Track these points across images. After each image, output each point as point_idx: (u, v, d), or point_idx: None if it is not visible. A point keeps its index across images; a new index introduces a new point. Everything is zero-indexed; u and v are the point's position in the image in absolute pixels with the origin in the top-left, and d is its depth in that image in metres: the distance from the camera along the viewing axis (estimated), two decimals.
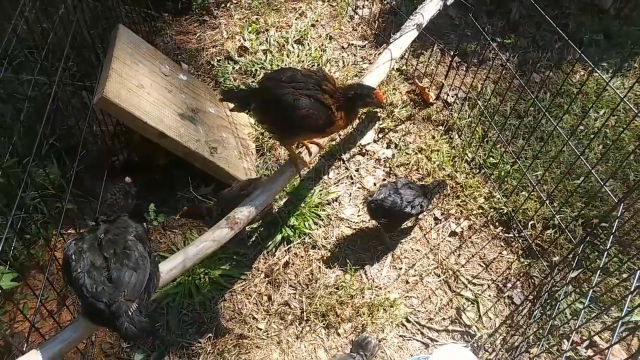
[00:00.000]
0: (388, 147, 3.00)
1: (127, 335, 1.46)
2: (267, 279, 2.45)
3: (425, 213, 2.70)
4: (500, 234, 2.72)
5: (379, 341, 2.32)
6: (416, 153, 2.96)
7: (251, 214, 2.01)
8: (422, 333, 2.38)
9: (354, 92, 2.06)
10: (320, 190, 2.77)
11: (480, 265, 2.62)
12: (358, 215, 2.73)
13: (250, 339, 2.27)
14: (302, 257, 2.54)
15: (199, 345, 2.22)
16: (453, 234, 2.71)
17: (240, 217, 1.97)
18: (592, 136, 2.99)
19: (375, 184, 2.85)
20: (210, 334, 2.26)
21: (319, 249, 2.58)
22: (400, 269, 2.57)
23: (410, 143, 3.01)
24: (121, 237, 1.63)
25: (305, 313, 2.35)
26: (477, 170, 2.92)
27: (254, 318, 2.34)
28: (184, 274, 1.96)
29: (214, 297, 2.35)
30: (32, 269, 2.29)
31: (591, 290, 1.96)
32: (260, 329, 2.31)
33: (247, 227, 2.55)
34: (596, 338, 2.40)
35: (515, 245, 2.68)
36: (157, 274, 1.67)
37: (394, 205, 2.41)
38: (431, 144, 2.99)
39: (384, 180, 2.87)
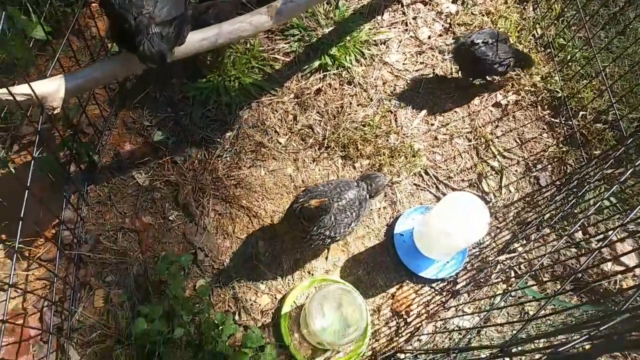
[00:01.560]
0: (454, 1, 2.77)
1: (143, 55, 1.43)
2: (296, 99, 2.40)
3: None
4: (547, 117, 2.57)
5: (392, 184, 2.31)
6: (482, 15, 2.73)
7: (295, 11, 1.90)
8: (437, 187, 2.35)
9: None
10: (369, 29, 2.61)
11: (516, 141, 2.51)
12: (403, 64, 2.60)
13: (269, 149, 2.27)
14: (335, 89, 2.47)
15: (219, 141, 2.24)
16: (497, 104, 2.57)
17: (282, 9, 1.86)
18: None
19: (429, 37, 2.67)
20: (230, 134, 2.27)
21: (354, 86, 2.49)
22: (433, 124, 2.48)
23: (479, 3, 2.77)
24: None
25: (326, 140, 2.33)
26: (542, 48, 2.70)
27: (276, 132, 2.32)
28: (212, 49, 1.90)
29: (241, 102, 2.33)
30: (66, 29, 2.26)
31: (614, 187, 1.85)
32: (280, 143, 2.31)
33: (285, 46, 2.46)
34: (613, 236, 2.33)
35: (558, 131, 2.54)
36: (189, 26, 1.63)
37: (485, 55, 2.27)
38: (501, 10, 2.74)
39: (440, 35, 2.68)
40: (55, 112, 1.50)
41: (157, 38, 1.43)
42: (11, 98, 1.41)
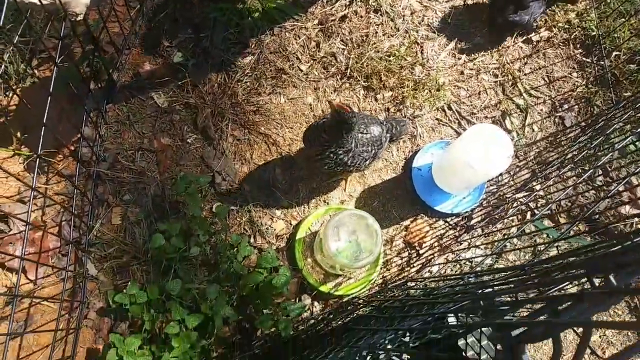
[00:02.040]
0: None
1: None
2: (320, 26, 2.33)
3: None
4: (578, 55, 2.47)
5: (414, 117, 2.26)
6: None
7: None
8: (459, 123, 2.30)
9: None
10: None
11: (544, 79, 2.43)
12: None
13: (290, 76, 2.23)
14: (361, 17, 2.38)
15: (239, 64, 2.19)
16: (528, 41, 2.47)
17: None
18: None
19: None
20: (251, 58, 2.22)
21: (381, 14, 2.39)
22: (460, 58, 2.40)
23: None
24: None
25: (349, 70, 2.27)
26: None
27: (297, 58, 2.27)
28: None
29: (263, 26, 2.26)
30: None
31: None
32: (302, 71, 2.25)
33: None
34: (634, 180, 2.29)
35: (589, 71, 2.45)
36: None
37: None
38: None
39: None
40: (79, 18, 1.46)
41: None
42: (36, 1, 1.37)
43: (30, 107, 1.24)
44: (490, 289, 0.98)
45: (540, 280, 0.80)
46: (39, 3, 1.41)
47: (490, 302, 0.92)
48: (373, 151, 1.89)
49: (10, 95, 1.93)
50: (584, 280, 0.67)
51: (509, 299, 1.06)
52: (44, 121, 1.31)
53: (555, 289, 0.96)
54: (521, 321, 0.63)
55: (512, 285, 0.91)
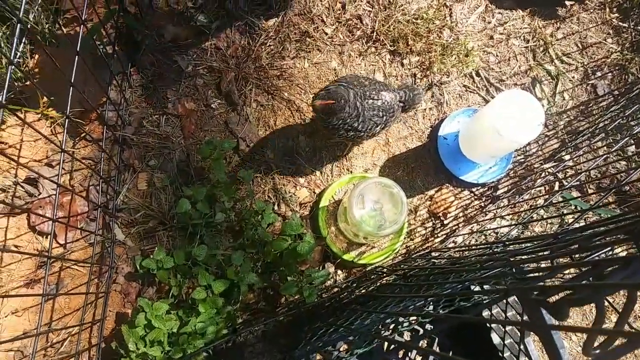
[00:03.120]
0: None
1: None
2: None
3: None
4: (614, 20, 2.37)
5: (440, 84, 2.21)
6: None
7: None
8: (487, 90, 2.24)
9: None
10: None
11: (577, 45, 2.34)
12: None
13: (314, 39, 2.17)
14: None
15: (263, 27, 2.14)
16: (561, 4, 2.37)
17: None
18: None
19: None
20: (276, 20, 2.16)
21: None
22: (490, 22, 2.32)
23: None
24: None
25: (375, 33, 2.20)
26: None
27: (322, 21, 2.20)
28: None
29: None
30: None
31: None
32: (326, 34, 2.20)
33: None
34: None
35: (625, 37, 2.35)
36: None
37: None
38: None
39: None
40: None
41: None
42: None
43: (58, 67, 1.22)
44: (522, 256, 0.97)
45: (581, 245, 0.78)
46: None
47: (520, 269, 0.91)
48: (385, 117, 1.84)
49: (37, 57, 1.92)
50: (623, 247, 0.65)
51: (543, 265, 1.05)
52: (72, 81, 1.30)
53: (594, 255, 0.94)
54: (566, 284, 0.62)
55: (549, 252, 0.89)
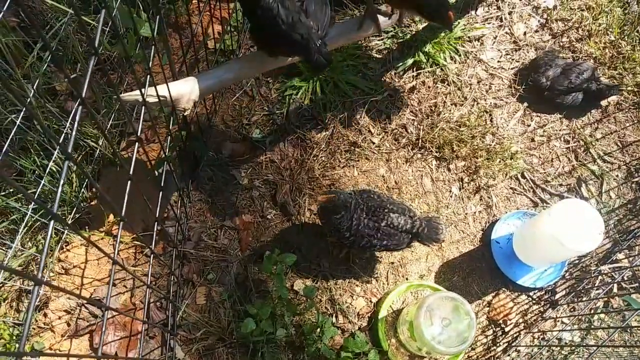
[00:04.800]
0: None
1: (319, 64, 1.54)
2: (390, 98, 2.36)
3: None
4: None
5: (488, 187, 2.25)
6: (582, 10, 2.60)
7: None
8: (534, 192, 2.28)
9: None
10: (464, 25, 2.53)
11: (617, 144, 2.40)
12: (498, 61, 2.51)
13: (362, 149, 2.25)
14: (429, 87, 2.41)
15: (314, 140, 2.23)
16: (596, 105, 2.46)
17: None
18: None
19: (525, 34, 2.57)
20: (326, 133, 2.25)
21: (448, 84, 2.42)
22: (529, 125, 2.40)
23: None
24: None
25: (420, 140, 2.28)
26: None
27: (369, 131, 2.30)
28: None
29: (335, 101, 2.31)
30: (168, 26, 2.29)
31: None
32: (374, 143, 2.28)
33: (379, 43, 2.41)
34: None
35: None
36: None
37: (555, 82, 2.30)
38: (602, 4, 2.60)
39: (536, 31, 2.57)
40: (186, 113, 1.51)
41: (324, 48, 1.48)
42: (138, 98, 1.42)
43: (135, 188, 1.27)
44: None
45: None
46: (140, 100, 1.46)
47: None
48: (385, 241, 1.83)
49: (101, 179, 1.99)
50: None
51: None
52: (144, 200, 1.34)
53: None
54: None
55: None
